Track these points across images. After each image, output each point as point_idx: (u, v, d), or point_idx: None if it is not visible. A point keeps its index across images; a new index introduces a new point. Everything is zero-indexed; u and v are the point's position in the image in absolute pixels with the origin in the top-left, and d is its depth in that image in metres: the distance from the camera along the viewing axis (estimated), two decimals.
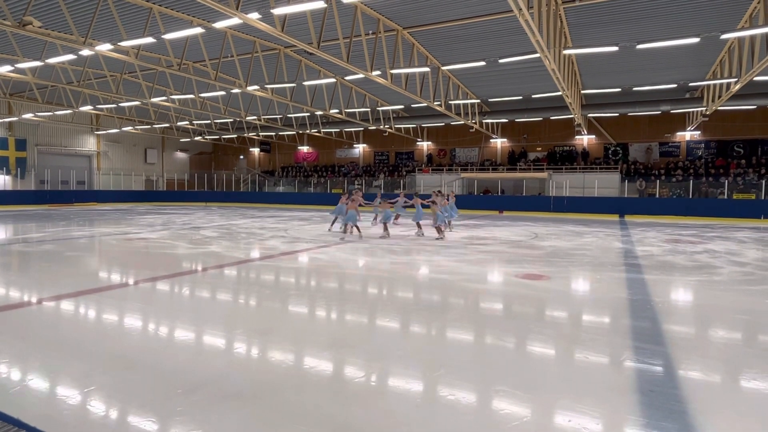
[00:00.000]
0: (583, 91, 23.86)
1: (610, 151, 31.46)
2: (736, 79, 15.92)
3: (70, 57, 15.72)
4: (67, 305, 5.87)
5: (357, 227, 13.92)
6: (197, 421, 2.98)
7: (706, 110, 22.40)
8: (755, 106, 24.41)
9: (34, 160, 33.34)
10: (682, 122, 28.51)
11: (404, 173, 35.67)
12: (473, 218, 22.29)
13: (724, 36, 12.32)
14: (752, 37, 14.00)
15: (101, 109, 27.96)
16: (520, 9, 9.44)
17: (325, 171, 40.07)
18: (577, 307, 6.29)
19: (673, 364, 4.03)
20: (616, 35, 15.62)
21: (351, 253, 10.68)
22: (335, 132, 35.50)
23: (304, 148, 42.14)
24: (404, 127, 33.24)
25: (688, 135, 29.15)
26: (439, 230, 13.51)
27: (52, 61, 16.55)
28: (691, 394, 3.44)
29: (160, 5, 14.19)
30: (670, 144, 30.04)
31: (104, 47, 14.18)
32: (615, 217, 24.55)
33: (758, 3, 12.66)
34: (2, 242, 12.66)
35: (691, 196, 25.40)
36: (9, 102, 29.67)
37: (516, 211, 27.45)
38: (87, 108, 26.28)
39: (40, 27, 13.26)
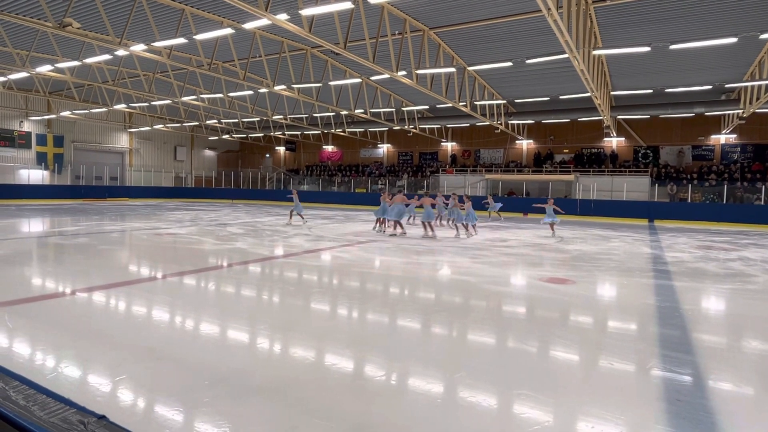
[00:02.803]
0: (612, 93, 23.34)
1: (640, 154, 30.67)
2: None
3: (106, 57, 16.28)
4: (99, 296, 6.08)
5: (401, 224, 14.50)
6: (223, 413, 3.06)
7: (743, 113, 21.61)
8: None
9: (71, 156, 34.60)
10: (716, 125, 27.59)
11: (428, 174, 35.57)
12: (497, 220, 22.08)
13: (764, 36, 11.88)
14: None
15: (134, 108, 28.82)
16: (549, 9, 9.31)
17: (349, 170, 40.30)
18: (603, 312, 6.17)
19: (702, 374, 3.92)
20: (649, 35, 15.22)
21: (374, 253, 10.73)
22: (360, 132, 35.69)
23: (329, 148, 42.49)
24: (429, 128, 33.15)
25: (723, 138, 28.17)
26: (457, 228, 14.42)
27: (89, 60, 17.17)
28: (720, 406, 3.34)
29: (192, 6, 14.55)
30: (703, 147, 29.09)
31: (138, 47, 14.62)
32: (644, 222, 23.92)
33: None
34: (40, 235, 13.20)
35: (725, 202, 24.53)
36: (48, 100, 30.89)
37: (541, 214, 27.00)
38: (121, 106, 27.14)
39: (78, 28, 13.76)
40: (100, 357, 3.99)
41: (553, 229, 15.65)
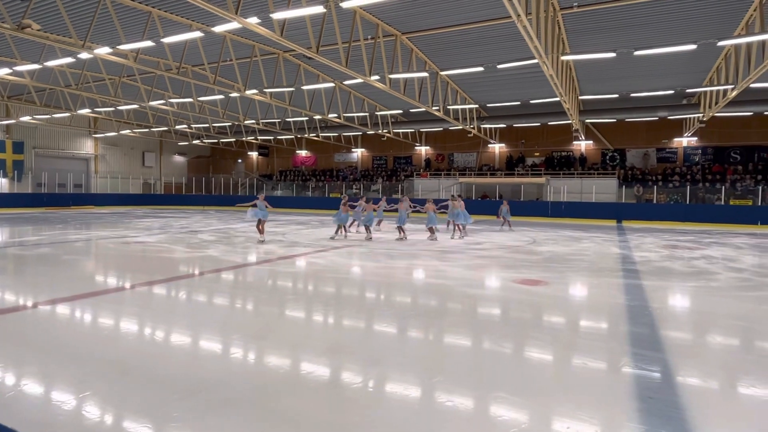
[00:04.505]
0: (580, 97, 23.96)
1: (607, 157, 31.57)
2: (732, 86, 16.00)
3: (69, 60, 15.71)
4: (63, 309, 5.83)
5: (368, 228, 14.61)
6: (194, 427, 2.95)
7: (703, 116, 22.51)
8: (752, 113, 24.56)
9: (32, 162, 33.25)
10: (679, 128, 28.65)
11: (402, 178, 35.71)
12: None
13: (721, 43, 12.40)
14: (749, 45, 14.09)
15: (99, 113, 27.97)
16: (519, 15, 9.49)
17: (324, 175, 40.09)
18: (575, 312, 6.28)
19: (672, 371, 4.02)
20: (614, 41, 15.70)
21: (349, 258, 10.66)
22: (333, 136, 35.55)
23: (303, 152, 42.16)
24: (403, 132, 33.29)
25: (685, 141, 29.29)
26: (431, 231, 14.51)
27: (50, 64, 16.54)
28: (689, 401, 3.43)
29: (159, 9, 14.21)
30: (667, 150, 30.17)
31: (103, 50, 14.19)
32: (612, 223, 24.59)
33: (754, 11, 12.76)
34: None
35: (688, 202, 25.47)
36: (7, 104, 29.64)
37: (514, 216, 27.39)
38: (85, 111, 26.26)
39: (39, 30, 13.26)
40: (64, 373, 3.81)
41: (509, 224, 18.56)
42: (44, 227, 17.47)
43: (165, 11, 14.36)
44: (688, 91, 21.97)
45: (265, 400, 3.37)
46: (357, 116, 27.75)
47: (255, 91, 19.49)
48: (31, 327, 5.15)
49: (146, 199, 39.55)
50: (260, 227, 13.25)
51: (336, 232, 14.96)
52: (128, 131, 34.82)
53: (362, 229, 15.28)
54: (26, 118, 29.49)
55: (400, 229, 14.41)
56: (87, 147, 36.93)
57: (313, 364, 4.10)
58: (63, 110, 26.62)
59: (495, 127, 31.83)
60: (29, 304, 6.14)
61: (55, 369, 3.90)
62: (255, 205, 13.09)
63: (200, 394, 3.41)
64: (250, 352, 4.42)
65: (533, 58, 13.01)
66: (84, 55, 14.85)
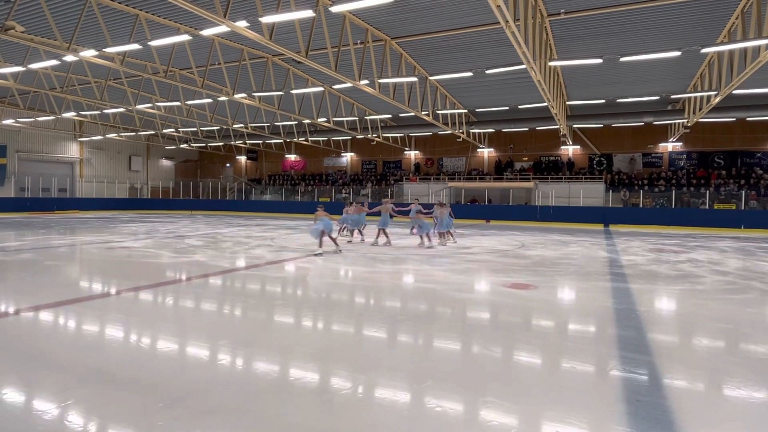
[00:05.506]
0: (568, 102, 24.22)
1: (594, 162, 31.93)
2: (716, 92, 16.30)
3: (54, 62, 15.51)
4: (45, 316, 5.71)
5: (361, 232, 14.68)
6: None
7: (688, 122, 22.89)
8: (734, 119, 25.05)
9: (15, 166, 32.69)
10: (664, 133, 29.10)
11: (392, 182, 35.74)
12: (460, 227, 22.36)
13: (705, 50, 12.61)
14: (731, 52, 14.37)
15: (85, 116, 27.60)
16: (507, 21, 9.57)
17: (313, 179, 39.99)
18: (564, 316, 6.30)
19: (659, 374, 4.05)
20: (601, 48, 15.92)
21: (338, 263, 10.61)
22: (323, 140, 35.51)
23: (292, 157, 42.03)
24: (392, 136, 33.35)
25: (670, 146, 29.74)
26: (440, 236, 14.62)
27: (34, 66, 16.30)
28: (677, 404, 3.45)
29: (146, 12, 14.09)
30: (653, 155, 30.61)
31: (89, 53, 14.01)
32: (600, 227, 24.83)
33: (737, 19, 13.03)
34: None
35: (673, 206, 25.84)
36: None
37: (503, 221, 27.64)
38: (70, 114, 25.92)
39: (23, 32, 13.07)
40: (45, 381, 3.72)
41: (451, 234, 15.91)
42: (27, 232, 17.15)
43: (152, 14, 14.24)
44: (672, 97, 22.32)
45: (253, 408, 3.32)
46: (346, 120, 27.76)
47: (244, 95, 19.39)
48: (13, 334, 5.02)
49: (132, 203, 39.10)
50: (321, 239, 12.24)
51: (345, 233, 15.33)
52: (114, 135, 34.44)
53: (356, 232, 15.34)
54: (9, 122, 29.02)
55: (383, 232, 14.28)
56: (72, 151, 36.43)
57: (302, 370, 4.06)
58: (47, 113, 26.26)
59: (484, 132, 32.04)
60: (10, 310, 5.99)
61: (37, 377, 3.80)
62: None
63: (186, 402, 3.34)
64: (237, 359, 4.36)
65: (521, 63, 13.12)
66: (69, 58, 14.67)
